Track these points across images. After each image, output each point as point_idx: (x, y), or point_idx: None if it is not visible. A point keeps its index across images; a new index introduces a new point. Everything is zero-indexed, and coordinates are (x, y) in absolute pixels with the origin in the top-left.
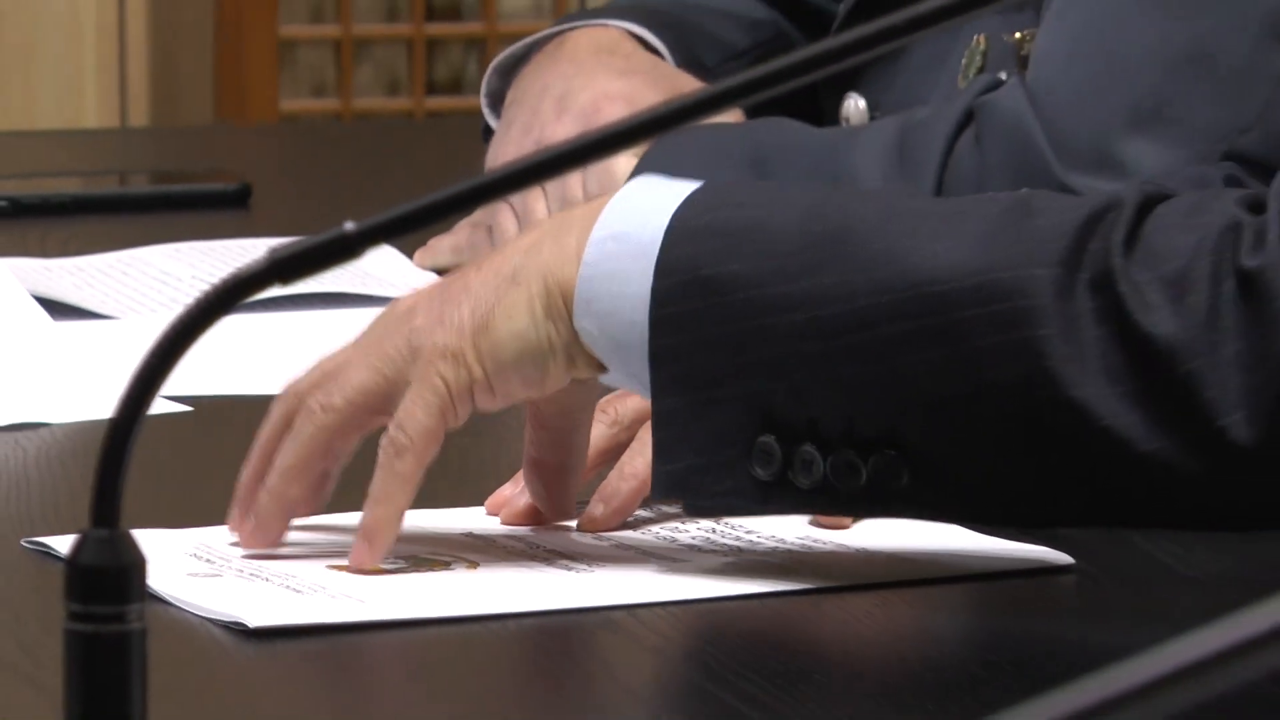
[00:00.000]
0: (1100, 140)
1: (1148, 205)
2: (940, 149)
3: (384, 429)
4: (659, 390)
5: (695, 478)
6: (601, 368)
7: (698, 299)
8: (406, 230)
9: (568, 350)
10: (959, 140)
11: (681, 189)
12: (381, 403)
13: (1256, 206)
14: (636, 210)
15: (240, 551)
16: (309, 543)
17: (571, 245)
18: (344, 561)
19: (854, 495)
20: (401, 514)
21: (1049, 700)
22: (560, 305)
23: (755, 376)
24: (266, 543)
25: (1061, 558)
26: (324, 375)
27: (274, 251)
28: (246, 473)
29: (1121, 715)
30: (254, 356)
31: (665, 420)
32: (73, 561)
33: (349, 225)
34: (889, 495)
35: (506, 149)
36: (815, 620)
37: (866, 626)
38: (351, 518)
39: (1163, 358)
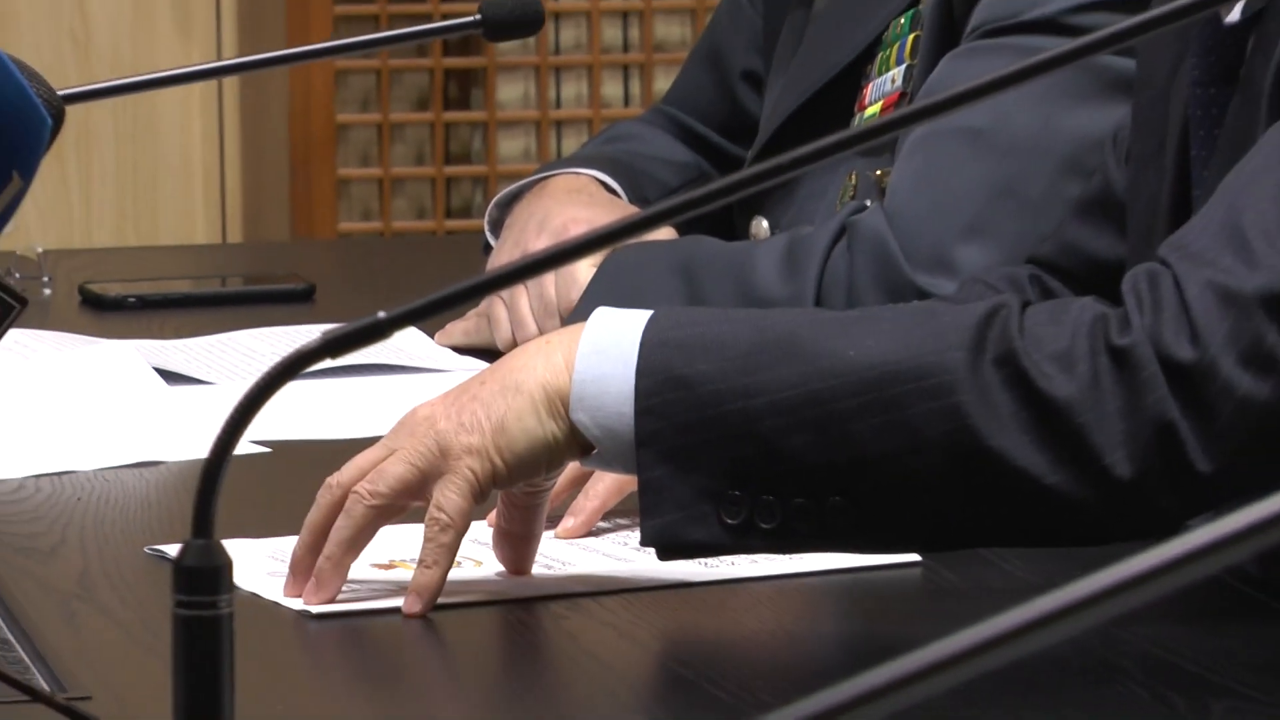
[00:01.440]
0: (939, 249)
1: (1023, 308)
2: (821, 256)
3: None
4: (645, 465)
5: (675, 529)
6: (588, 450)
7: (672, 392)
8: (424, 317)
9: (567, 439)
10: (834, 249)
11: (641, 315)
12: (416, 491)
13: (1114, 306)
14: (610, 331)
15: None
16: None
17: (560, 360)
18: (383, 561)
19: (809, 534)
20: (445, 575)
21: (877, 671)
22: (559, 406)
23: (724, 449)
24: (326, 599)
25: (913, 556)
26: (360, 471)
27: (326, 334)
28: (299, 547)
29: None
30: (317, 411)
31: (650, 486)
32: (178, 563)
33: (381, 314)
34: (838, 533)
35: (500, 259)
36: (728, 603)
37: (766, 609)
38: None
39: (1060, 413)
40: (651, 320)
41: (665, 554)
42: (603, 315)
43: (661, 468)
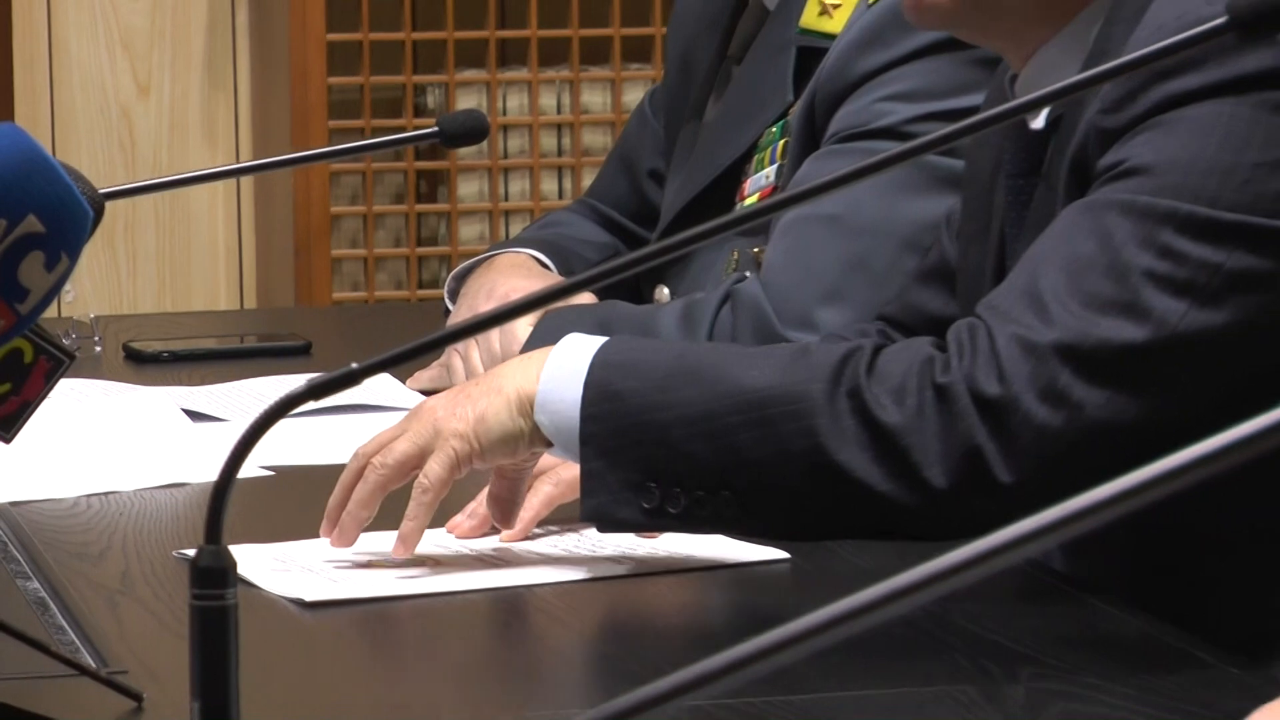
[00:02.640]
0: (804, 312)
1: (877, 350)
2: (711, 316)
3: (415, 478)
4: (585, 458)
5: (607, 508)
6: (549, 444)
7: (608, 404)
8: (388, 367)
9: (531, 434)
10: (721, 310)
11: (595, 343)
12: (416, 463)
13: (940, 349)
14: (570, 355)
15: (299, 559)
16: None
17: (533, 373)
18: (371, 559)
19: (705, 519)
20: (424, 528)
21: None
22: (527, 407)
23: (643, 450)
24: (347, 543)
25: (781, 554)
26: (379, 445)
27: (310, 381)
28: (332, 502)
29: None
30: (311, 443)
31: (589, 475)
32: (194, 564)
33: (354, 365)
34: (727, 520)
35: (456, 320)
36: (641, 593)
37: (670, 597)
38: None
39: (891, 436)
40: (602, 346)
41: (600, 528)
42: (569, 340)
43: (598, 461)
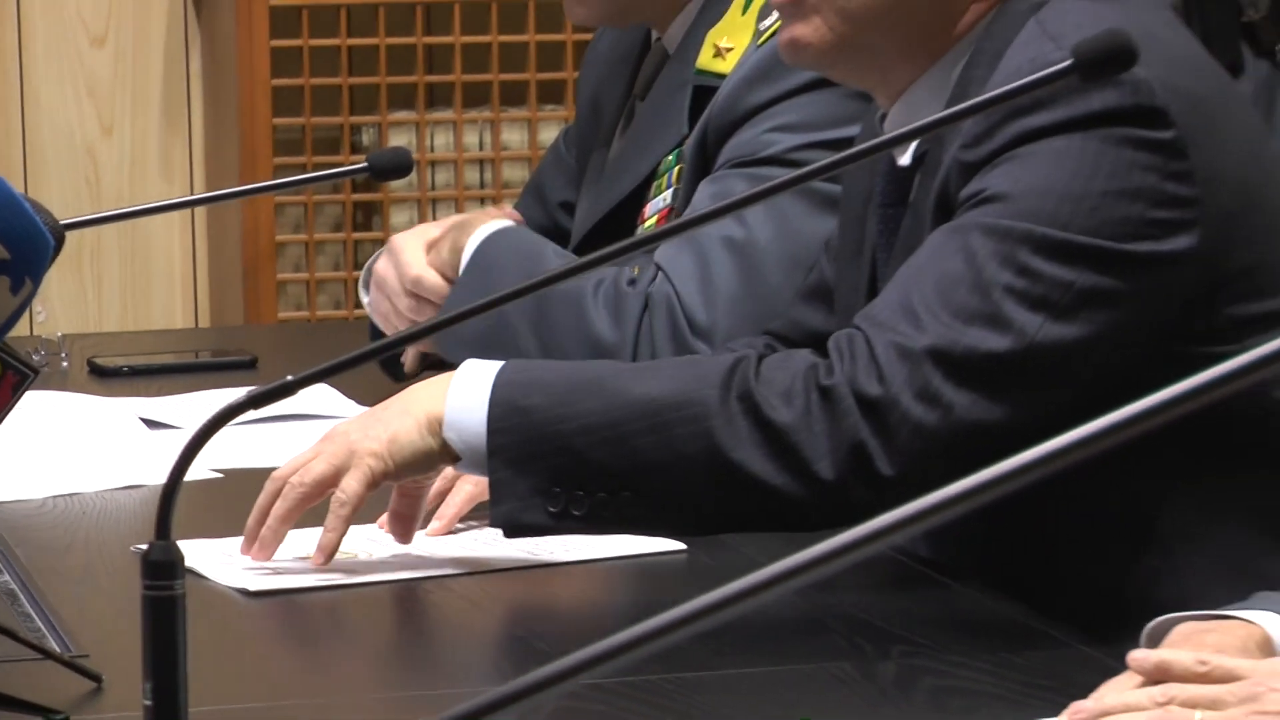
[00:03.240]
0: (708, 325)
1: (760, 359)
2: (638, 314)
3: (332, 494)
4: (493, 469)
5: (515, 514)
6: (457, 459)
7: (514, 419)
8: (322, 379)
9: (440, 451)
10: (644, 311)
11: (494, 365)
12: (331, 482)
13: (822, 357)
14: (472, 378)
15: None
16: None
17: (439, 395)
18: (307, 556)
19: (609, 520)
20: (341, 539)
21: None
22: (436, 427)
23: (548, 459)
24: (267, 557)
25: (679, 545)
26: (294, 468)
27: (250, 392)
28: (251, 522)
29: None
30: (256, 447)
31: (497, 484)
32: (145, 558)
33: (289, 377)
34: (629, 519)
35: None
36: (550, 581)
37: (576, 585)
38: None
39: (782, 434)
40: (501, 369)
41: (508, 533)
42: (468, 366)
43: (505, 471)
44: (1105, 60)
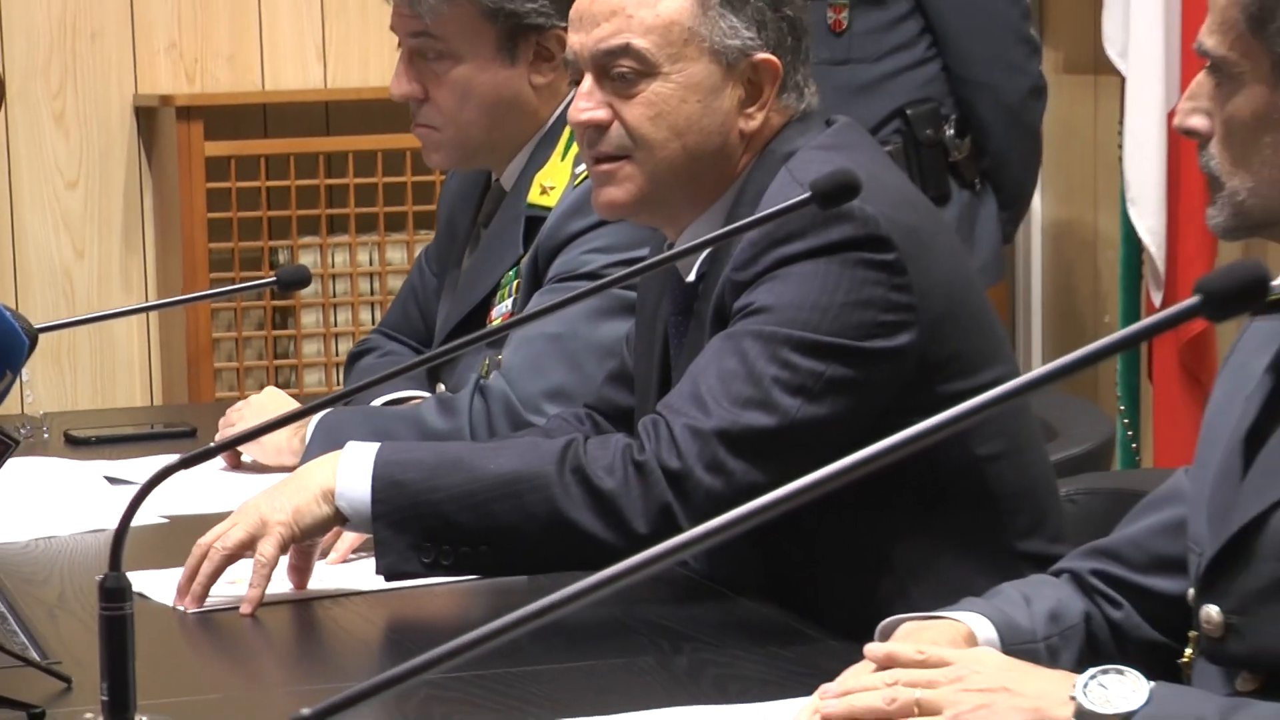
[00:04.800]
0: (536, 402)
1: (587, 439)
2: (467, 406)
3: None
4: (377, 530)
5: (395, 565)
6: (346, 521)
7: (392, 490)
8: (239, 444)
9: (334, 516)
10: (474, 401)
11: (373, 448)
12: (248, 546)
13: (635, 438)
14: (357, 457)
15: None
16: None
17: (330, 472)
18: (231, 580)
19: (471, 567)
20: (264, 591)
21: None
22: (330, 497)
23: (420, 523)
24: (197, 608)
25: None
26: (217, 534)
27: (183, 457)
28: (181, 581)
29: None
30: (194, 499)
31: (381, 542)
32: (102, 585)
33: (211, 444)
34: (485, 568)
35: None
36: (424, 600)
37: (442, 602)
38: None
39: (607, 499)
40: (379, 450)
41: (389, 579)
42: (352, 446)
43: (386, 532)
44: (834, 192)
